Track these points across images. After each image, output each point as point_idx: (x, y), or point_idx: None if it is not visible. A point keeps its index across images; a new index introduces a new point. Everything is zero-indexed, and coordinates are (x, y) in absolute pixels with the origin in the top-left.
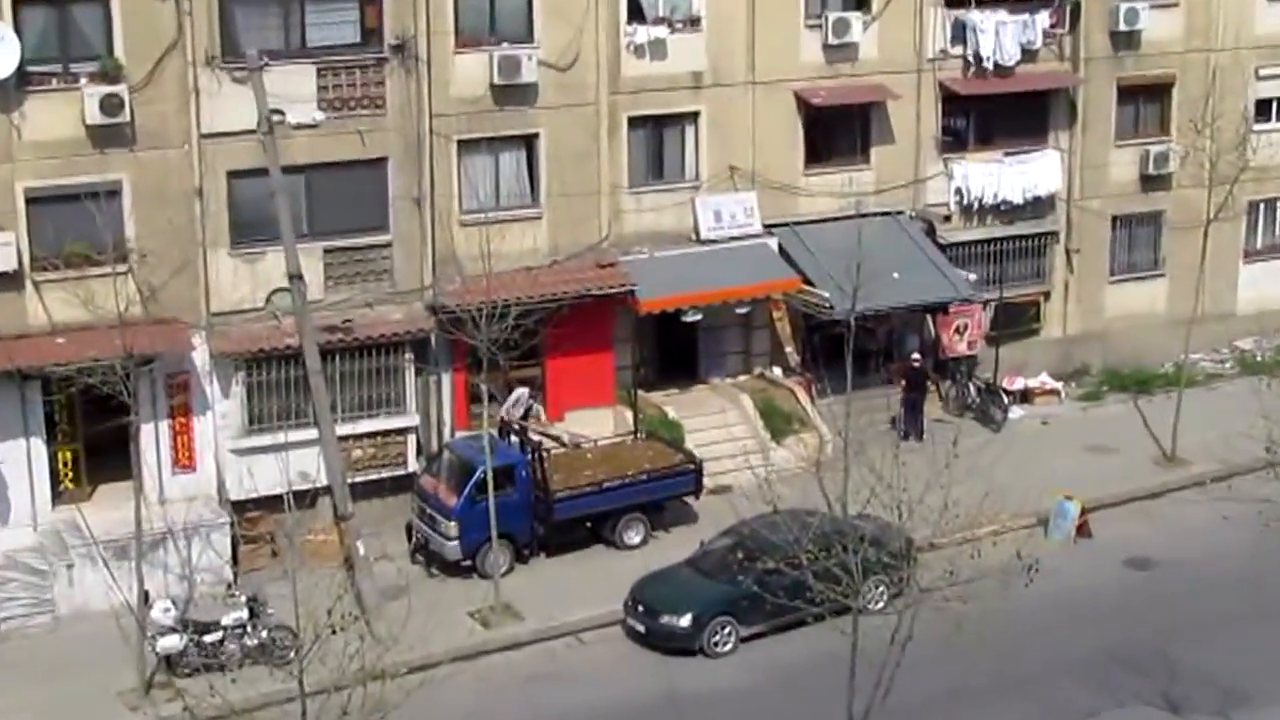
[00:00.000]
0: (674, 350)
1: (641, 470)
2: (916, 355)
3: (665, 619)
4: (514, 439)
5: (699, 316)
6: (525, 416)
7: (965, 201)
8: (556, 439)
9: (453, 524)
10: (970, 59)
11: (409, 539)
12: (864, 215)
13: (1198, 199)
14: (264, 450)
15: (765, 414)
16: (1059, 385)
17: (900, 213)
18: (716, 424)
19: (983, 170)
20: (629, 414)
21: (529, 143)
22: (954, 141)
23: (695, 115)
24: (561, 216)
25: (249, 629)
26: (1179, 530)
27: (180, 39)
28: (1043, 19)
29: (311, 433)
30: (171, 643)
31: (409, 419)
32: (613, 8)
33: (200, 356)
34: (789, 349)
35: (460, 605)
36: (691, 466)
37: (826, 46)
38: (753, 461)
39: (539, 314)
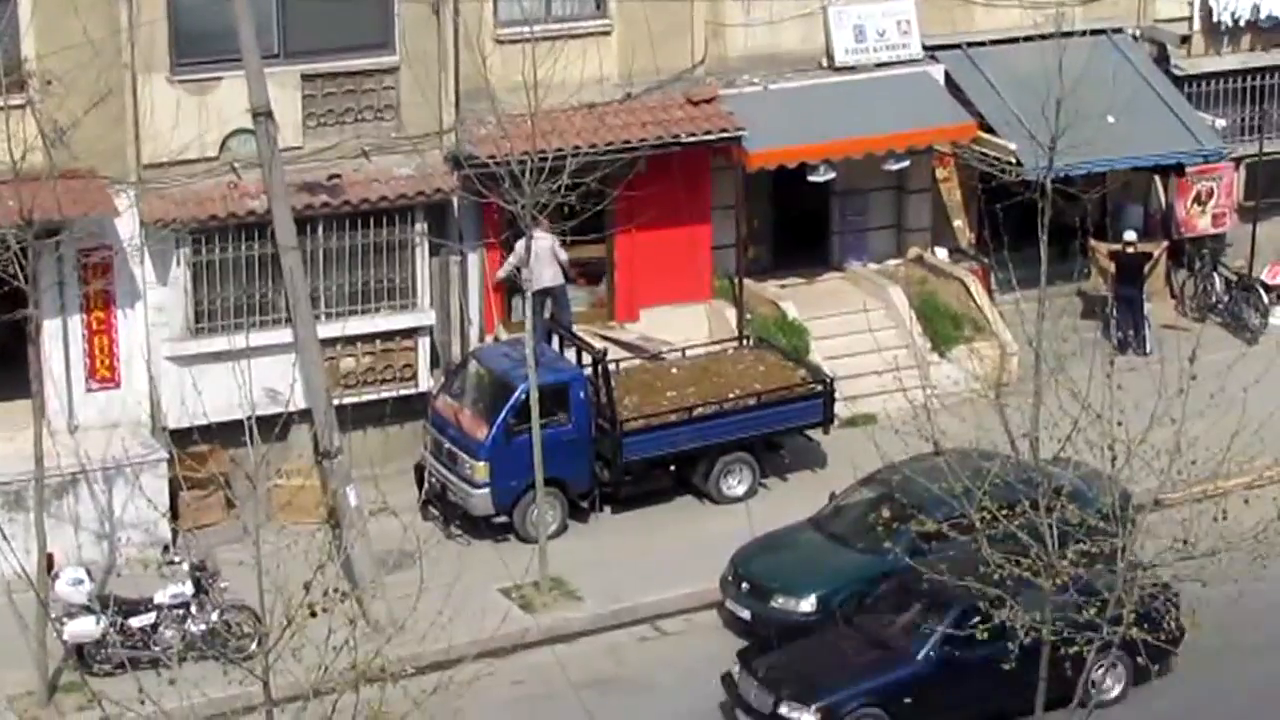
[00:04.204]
0: (796, 223)
1: (748, 392)
2: (1130, 234)
3: (780, 601)
4: (566, 345)
5: (832, 175)
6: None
7: (1214, 16)
8: (629, 346)
9: (481, 465)
10: None
11: (419, 485)
12: (1068, 34)
13: None
14: (215, 359)
15: (925, 314)
16: None
17: (1119, 30)
18: (855, 328)
19: None
20: (731, 313)
21: None
22: None
23: None
24: (638, 31)
25: (193, 609)
26: None
27: None
28: None
29: (284, 334)
30: (85, 628)
31: (421, 316)
32: None
33: (127, 225)
34: (959, 223)
35: (491, 579)
36: (818, 387)
37: None
38: (906, 381)
39: (606, 169)
